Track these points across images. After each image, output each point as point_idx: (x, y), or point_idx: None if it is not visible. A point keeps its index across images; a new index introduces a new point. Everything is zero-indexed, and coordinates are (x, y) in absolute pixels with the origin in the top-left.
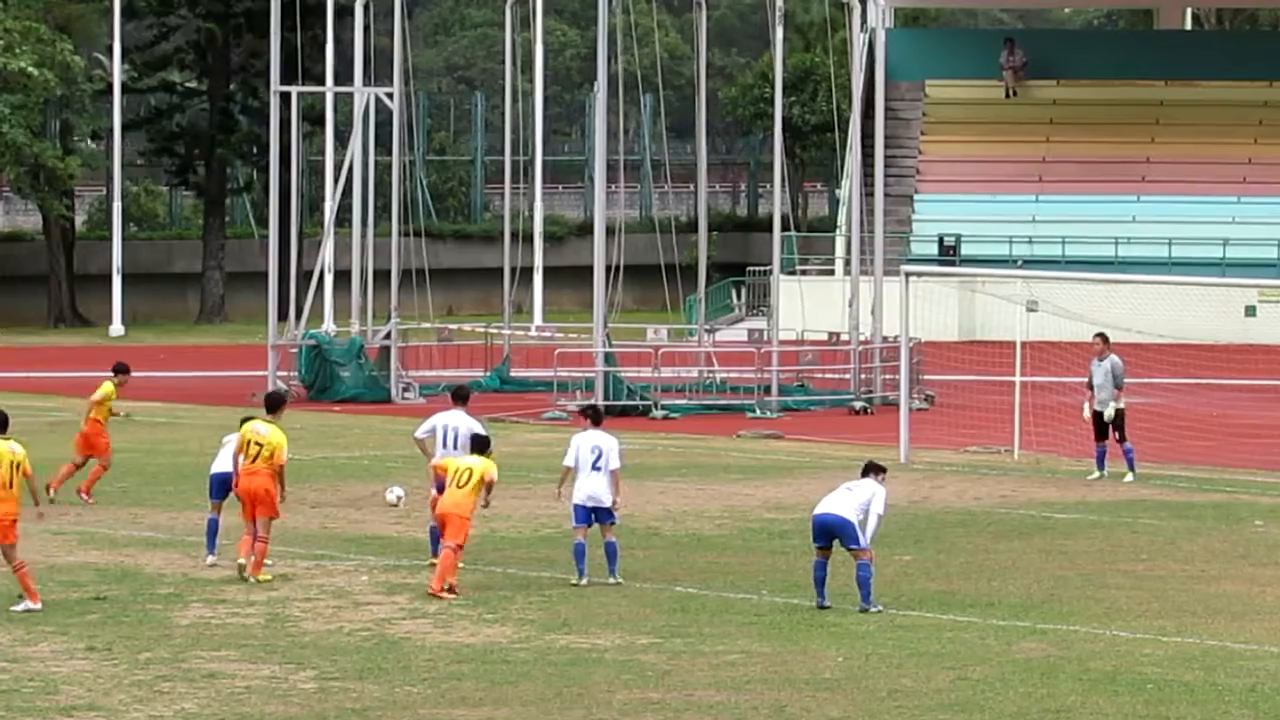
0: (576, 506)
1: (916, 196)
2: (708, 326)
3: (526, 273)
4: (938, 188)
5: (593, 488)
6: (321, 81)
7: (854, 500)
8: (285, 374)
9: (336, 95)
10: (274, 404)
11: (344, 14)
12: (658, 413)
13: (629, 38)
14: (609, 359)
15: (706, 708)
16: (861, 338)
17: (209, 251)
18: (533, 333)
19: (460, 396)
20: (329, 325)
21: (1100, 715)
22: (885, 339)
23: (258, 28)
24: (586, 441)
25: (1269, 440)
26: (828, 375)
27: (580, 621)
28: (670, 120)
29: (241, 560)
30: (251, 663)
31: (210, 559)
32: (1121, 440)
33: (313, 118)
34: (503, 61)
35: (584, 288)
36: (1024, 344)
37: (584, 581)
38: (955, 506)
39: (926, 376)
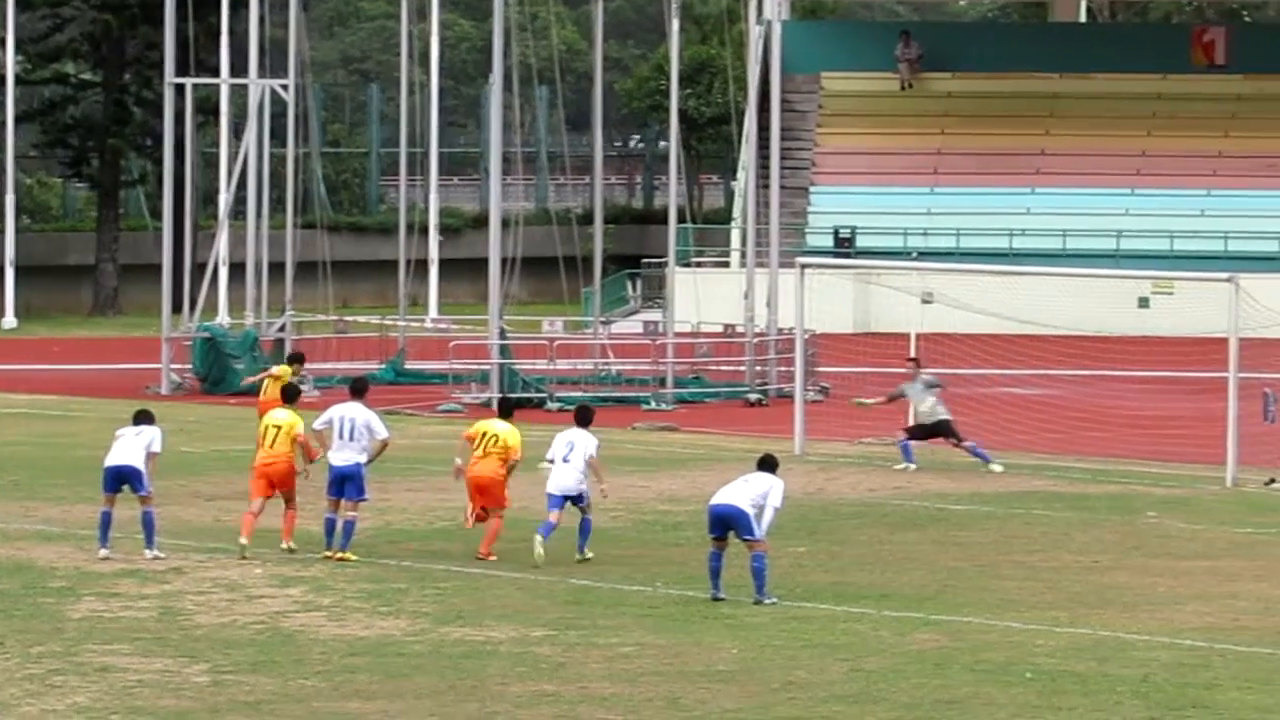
0: (549, 495)
1: (812, 189)
2: (603, 318)
3: (422, 265)
4: (833, 180)
5: (562, 480)
6: (216, 73)
7: (750, 491)
8: (179, 367)
9: (231, 87)
10: (291, 395)
11: (239, 5)
12: (553, 405)
13: (525, 30)
14: (504, 351)
15: (601, 700)
16: (757, 330)
17: (103, 244)
18: (428, 325)
19: (358, 389)
20: (223, 318)
21: (993, 706)
22: (780, 331)
23: (153, 19)
24: (564, 437)
25: (1163, 431)
26: (723, 367)
27: (475, 614)
28: (566, 112)
29: (244, 540)
30: (144, 656)
31: (103, 552)
32: (958, 442)
33: (207, 109)
34: (398, 54)
35: (480, 280)
36: (919, 336)
37: (539, 553)
38: (849, 498)
39: (821, 368)
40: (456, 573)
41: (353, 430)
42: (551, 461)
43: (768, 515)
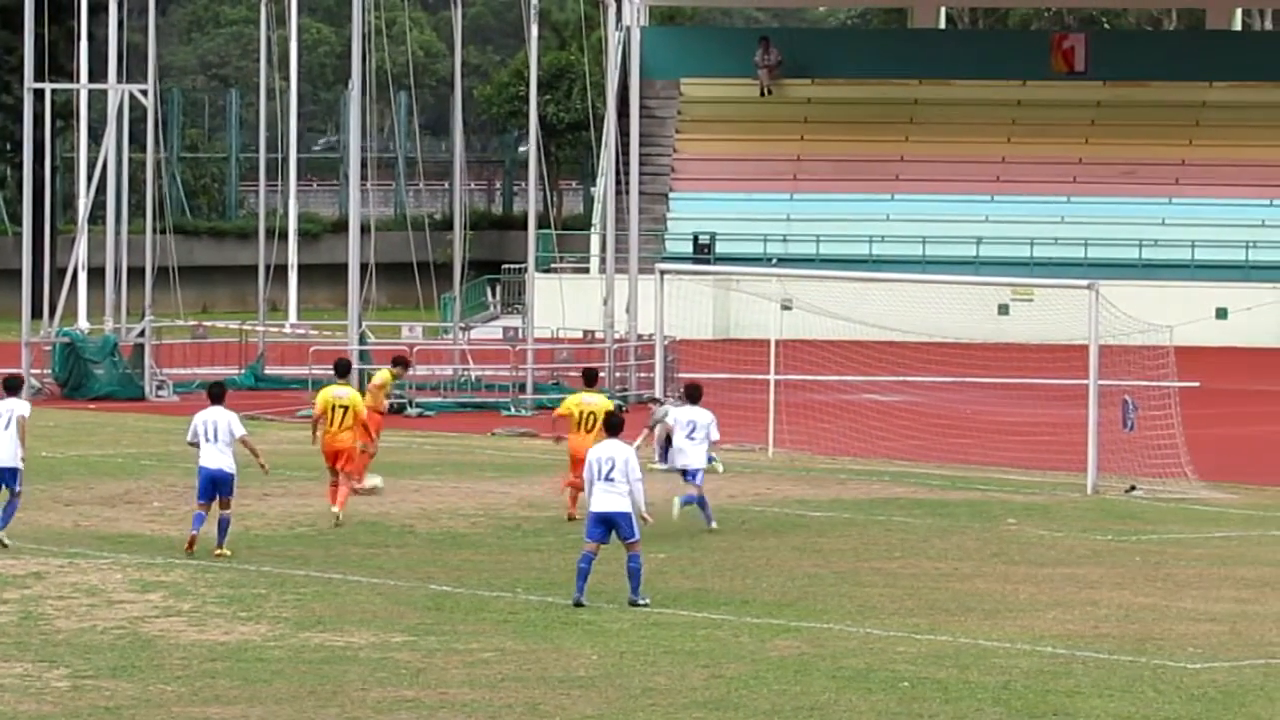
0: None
1: (671, 195)
2: (463, 324)
3: (281, 270)
4: (693, 186)
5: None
6: (75, 78)
7: (619, 489)
8: (39, 371)
9: (90, 92)
10: (344, 369)
11: (98, 10)
12: (413, 410)
13: (383, 35)
14: (364, 357)
15: (460, 706)
16: (616, 335)
17: None
18: (287, 330)
19: (216, 394)
20: (83, 323)
21: (854, 713)
22: (640, 337)
23: (11, 24)
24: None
25: (1022, 438)
26: None
27: (334, 619)
28: (426, 118)
29: (336, 509)
30: (4, 661)
31: None
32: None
33: (66, 114)
34: (257, 59)
35: (339, 285)
36: (778, 342)
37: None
38: (710, 503)
39: (681, 374)
40: (316, 578)
41: (215, 432)
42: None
43: (638, 491)
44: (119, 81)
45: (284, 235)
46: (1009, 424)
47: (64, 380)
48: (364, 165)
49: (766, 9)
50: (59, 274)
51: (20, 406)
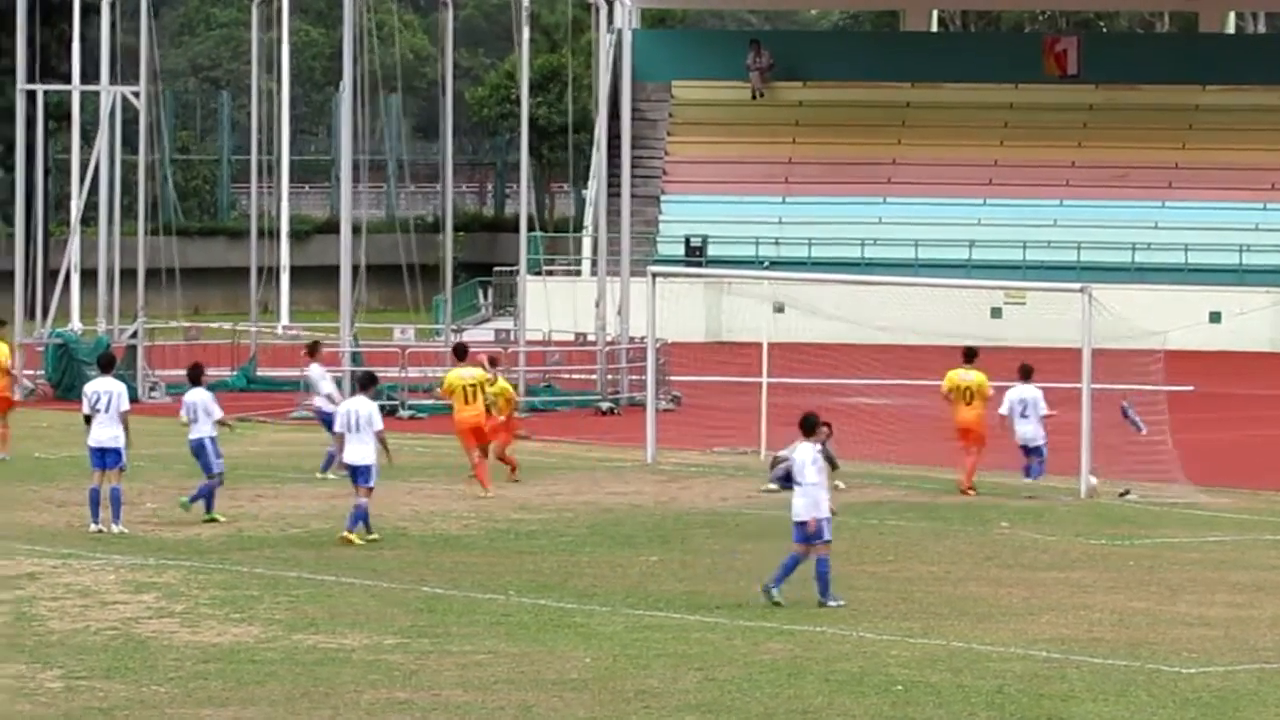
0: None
1: (663, 197)
2: (454, 326)
3: (273, 272)
4: (684, 189)
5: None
6: (68, 80)
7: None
8: (32, 373)
9: (83, 94)
10: (463, 352)
11: (90, 12)
12: (404, 412)
13: (374, 37)
14: (356, 358)
15: (454, 708)
16: (608, 338)
17: None
18: (280, 332)
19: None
20: (75, 324)
21: (847, 717)
22: (632, 340)
23: (4, 25)
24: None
25: (1016, 442)
26: (575, 376)
27: (327, 621)
28: (417, 120)
29: (488, 491)
30: None
31: None
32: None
33: (59, 116)
34: (248, 61)
35: (330, 287)
36: (770, 345)
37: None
38: (702, 507)
39: (673, 377)
40: (309, 580)
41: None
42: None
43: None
44: (111, 83)
45: (275, 236)
46: (1001, 427)
47: (57, 381)
48: (355, 167)
49: (758, 11)
50: (52, 275)
51: (119, 389)
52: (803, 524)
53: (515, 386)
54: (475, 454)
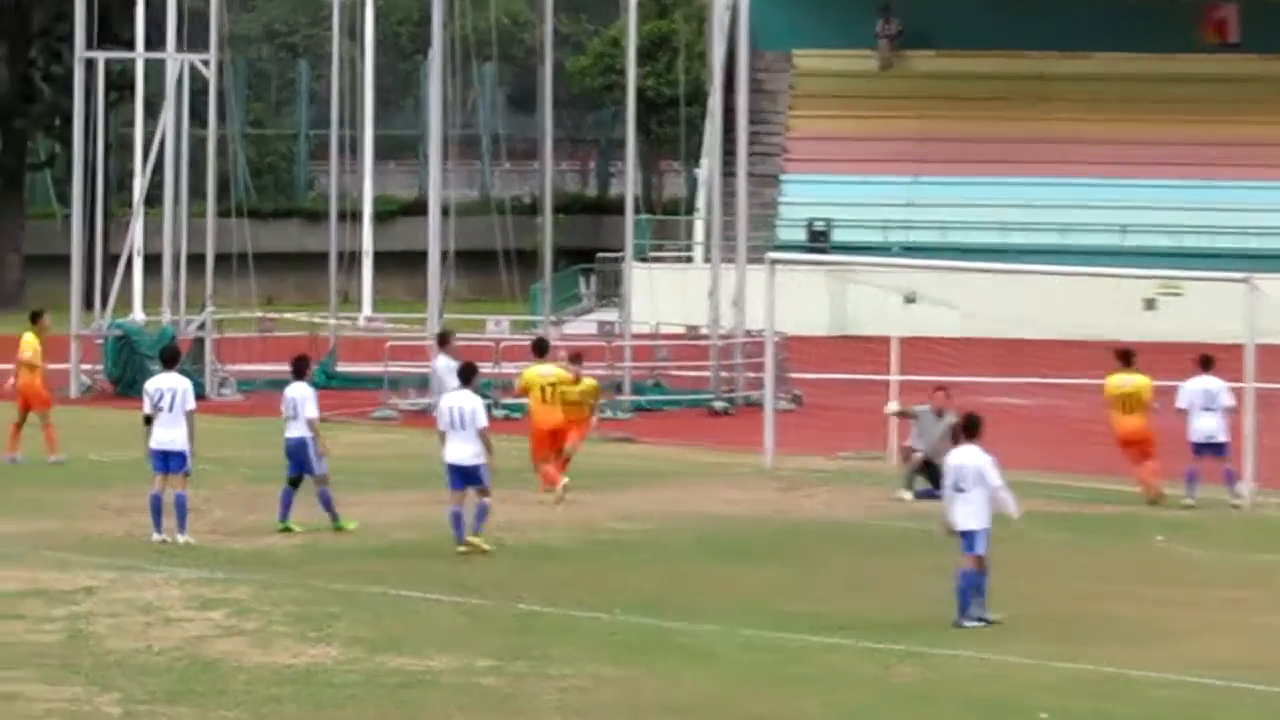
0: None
1: (783, 177)
2: (553, 318)
3: (354, 257)
4: (806, 168)
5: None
6: (131, 47)
7: (972, 499)
8: (89, 367)
9: (147, 62)
10: (543, 348)
11: None
12: (498, 412)
13: (466, 1)
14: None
15: None
16: (722, 331)
17: (6, 233)
18: (361, 323)
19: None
20: (138, 314)
21: None
22: (748, 333)
23: None
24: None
25: (1172, 446)
26: (685, 372)
27: (413, 641)
28: (513, 92)
29: (560, 489)
30: (51, 684)
31: None
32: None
33: (121, 86)
34: (328, 27)
35: (415, 274)
36: (900, 340)
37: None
38: (825, 518)
39: (794, 375)
40: (393, 595)
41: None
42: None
43: (1005, 500)
44: (178, 50)
45: (357, 219)
46: (1156, 430)
47: (116, 377)
48: (445, 143)
49: None
50: (112, 261)
51: (184, 386)
52: (972, 534)
53: (620, 385)
54: (548, 462)
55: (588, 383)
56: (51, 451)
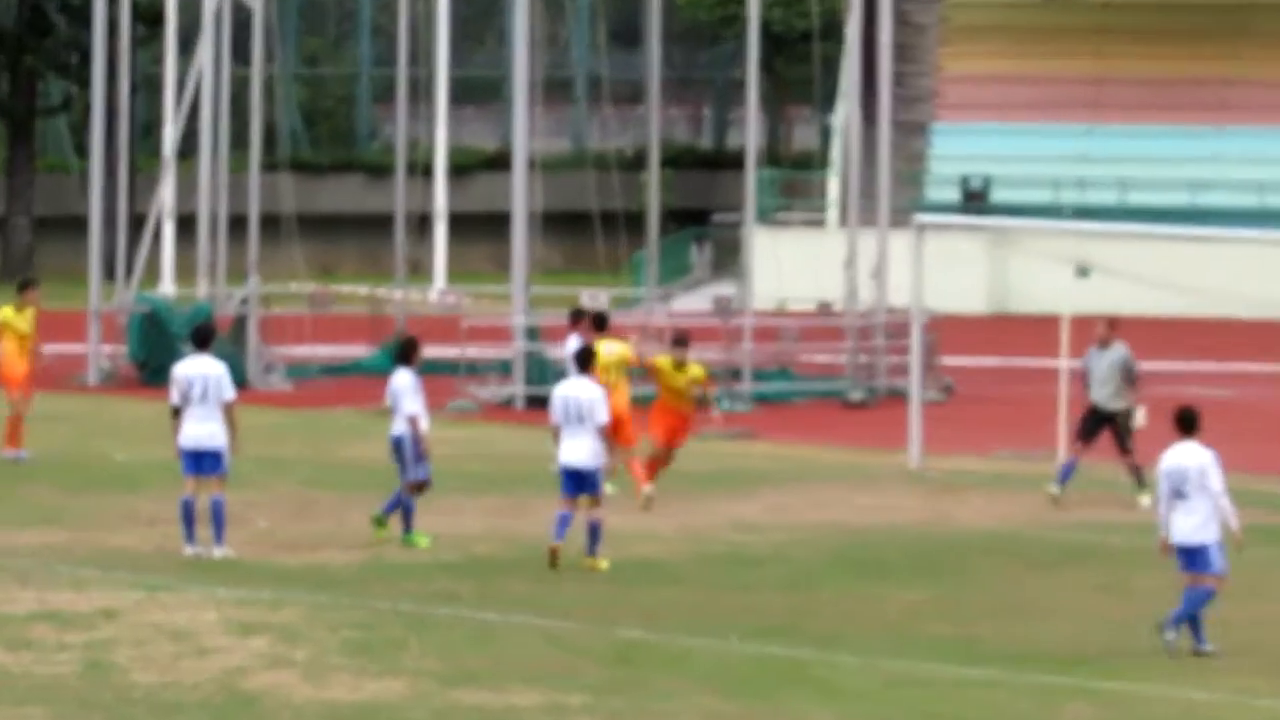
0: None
1: (934, 126)
2: (660, 292)
3: (426, 220)
4: (961, 115)
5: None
6: None
7: (1198, 509)
8: (110, 349)
9: None
10: (602, 321)
11: None
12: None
13: None
14: (532, 334)
15: None
16: (860, 309)
17: (14, 190)
18: (433, 298)
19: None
20: (168, 287)
21: None
22: (891, 311)
23: None
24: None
25: None
26: (816, 357)
27: (492, 674)
28: (613, 26)
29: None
30: None
31: None
32: (1127, 451)
33: (150, 18)
34: None
35: (499, 240)
36: (1072, 320)
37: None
38: (981, 528)
39: (945, 360)
40: (468, 619)
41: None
42: None
43: (1225, 510)
44: None
45: (429, 174)
46: None
47: (143, 361)
48: (533, 86)
49: None
50: (137, 223)
51: (219, 372)
52: (1199, 550)
53: (738, 373)
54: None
55: (695, 369)
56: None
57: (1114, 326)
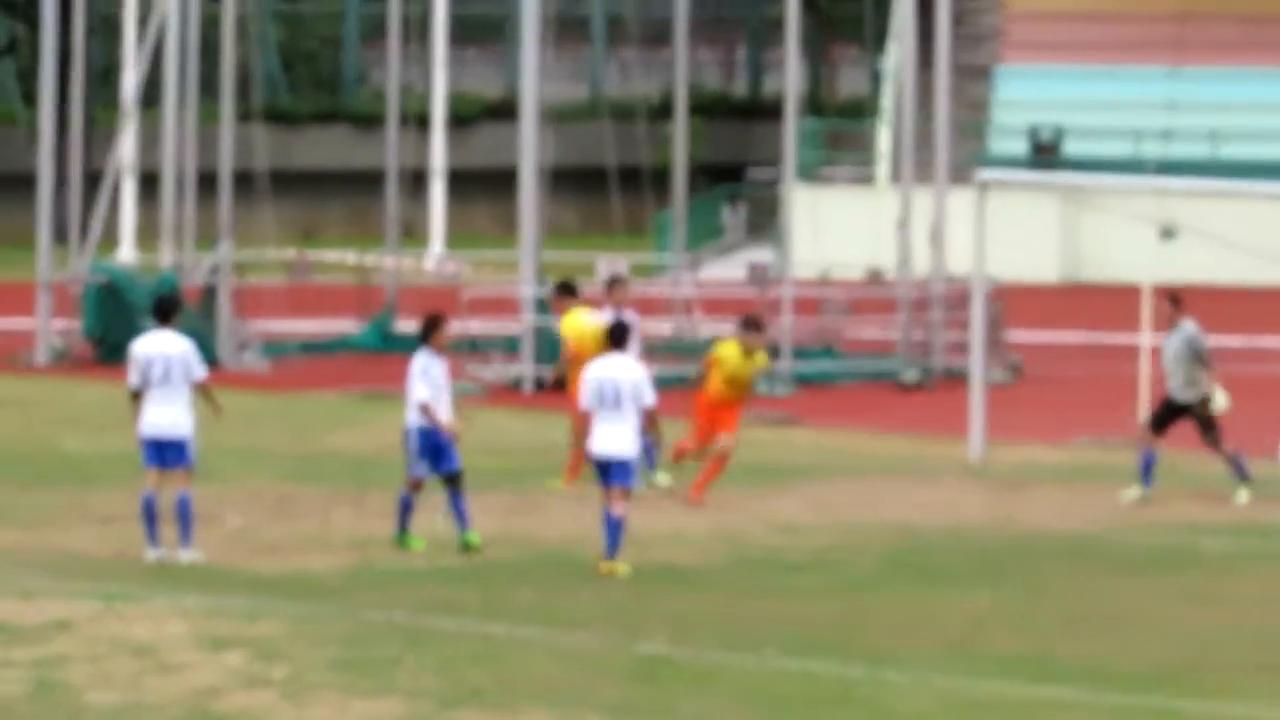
0: None
1: (998, 69)
2: (688, 259)
3: (421, 177)
4: (1029, 56)
5: None
6: None
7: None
8: (63, 325)
9: None
10: (571, 290)
11: None
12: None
13: None
14: (543, 307)
15: None
16: (915, 277)
17: None
18: (430, 266)
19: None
20: (128, 254)
21: None
22: (950, 280)
23: None
24: None
25: None
26: (865, 333)
27: (498, 692)
28: None
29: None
30: None
31: None
32: (1214, 443)
33: None
34: None
35: (505, 200)
36: (1155, 289)
37: None
38: (1054, 529)
39: (1012, 335)
40: (472, 632)
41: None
42: None
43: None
44: None
45: (425, 125)
46: None
47: (99, 338)
48: (544, 24)
49: None
50: (93, 182)
51: (184, 350)
52: None
53: (777, 350)
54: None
55: (761, 357)
56: None
57: (1178, 303)
